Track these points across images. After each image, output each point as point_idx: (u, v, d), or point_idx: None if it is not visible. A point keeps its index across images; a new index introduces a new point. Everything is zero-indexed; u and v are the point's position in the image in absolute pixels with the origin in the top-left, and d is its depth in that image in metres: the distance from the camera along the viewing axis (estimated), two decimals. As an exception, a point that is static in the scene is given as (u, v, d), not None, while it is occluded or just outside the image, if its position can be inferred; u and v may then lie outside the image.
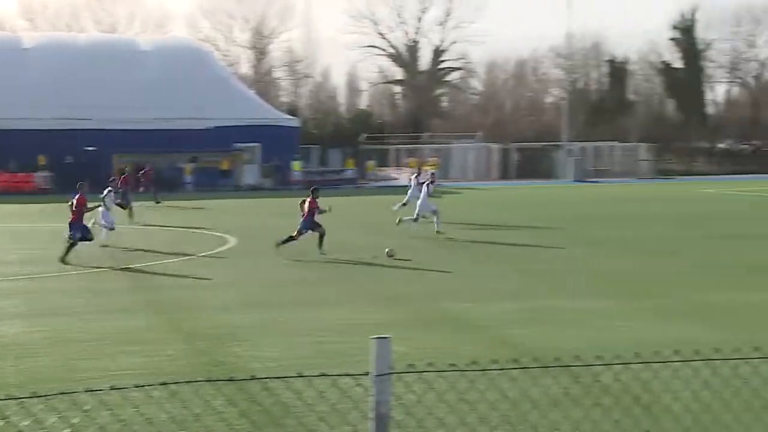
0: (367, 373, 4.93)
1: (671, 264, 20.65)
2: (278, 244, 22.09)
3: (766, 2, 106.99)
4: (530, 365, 6.85)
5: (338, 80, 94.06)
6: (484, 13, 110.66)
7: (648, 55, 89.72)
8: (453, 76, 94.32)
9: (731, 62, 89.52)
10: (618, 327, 13.55)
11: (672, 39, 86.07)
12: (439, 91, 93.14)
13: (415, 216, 26.95)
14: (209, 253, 22.93)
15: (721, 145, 78.50)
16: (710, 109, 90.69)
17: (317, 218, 22.32)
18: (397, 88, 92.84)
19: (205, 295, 16.71)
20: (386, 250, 21.62)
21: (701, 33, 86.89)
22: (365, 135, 67.70)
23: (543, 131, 78.69)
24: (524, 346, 11.97)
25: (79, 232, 21.45)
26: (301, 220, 22.46)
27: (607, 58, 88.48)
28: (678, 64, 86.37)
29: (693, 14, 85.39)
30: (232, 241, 25.31)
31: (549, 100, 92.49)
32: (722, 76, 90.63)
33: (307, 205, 22.49)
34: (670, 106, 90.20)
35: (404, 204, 30.24)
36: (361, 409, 6.00)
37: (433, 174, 30.50)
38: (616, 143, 71.11)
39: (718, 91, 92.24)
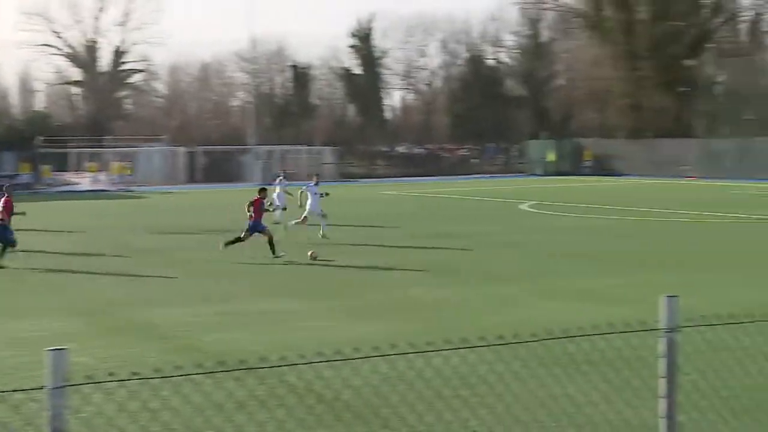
0: (41, 387, 4.68)
1: (361, 264, 21.35)
2: (225, 244, 21.65)
3: (435, 14, 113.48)
4: (215, 369, 6.82)
5: (10, 80, 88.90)
6: (165, 14, 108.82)
7: (329, 60, 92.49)
8: (135, 78, 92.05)
9: (405, 70, 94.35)
10: (306, 327, 13.80)
11: (351, 46, 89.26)
12: (121, 93, 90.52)
13: (301, 218, 26.90)
14: None
15: (399, 149, 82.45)
16: (388, 115, 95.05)
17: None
18: (76, 90, 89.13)
19: None
20: (309, 252, 21.60)
21: (378, 41, 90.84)
22: (42, 138, 64.35)
23: (230, 135, 78.84)
24: (213, 351, 11.91)
25: (9, 235, 21.06)
26: (250, 221, 21.89)
27: (290, 63, 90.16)
28: (358, 70, 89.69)
29: (370, 23, 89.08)
30: None
31: (235, 103, 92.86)
32: (398, 83, 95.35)
33: (252, 204, 21.99)
34: (352, 110, 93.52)
35: (284, 209, 30.19)
36: (36, 424, 5.69)
37: (317, 176, 29.52)
38: (302, 147, 72.64)
39: (395, 97, 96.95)
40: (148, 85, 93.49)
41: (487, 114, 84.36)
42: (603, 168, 68.63)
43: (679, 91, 74.26)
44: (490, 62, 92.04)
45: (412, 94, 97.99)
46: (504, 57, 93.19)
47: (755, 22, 79.81)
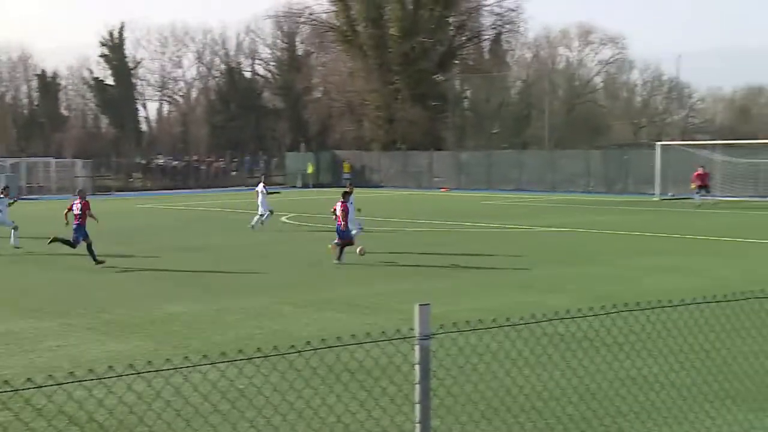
0: None
1: (115, 279, 20.67)
2: (338, 258, 22.42)
3: (189, 25, 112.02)
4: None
5: None
6: None
7: (80, 70, 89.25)
8: None
9: (160, 81, 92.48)
10: (57, 347, 13.19)
11: (102, 56, 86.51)
12: None
13: None
14: None
15: (156, 161, 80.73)
16: (144, 126, 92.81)
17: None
18: None
19: None
20: (357, 249, 22.68)
21: (131, 51, 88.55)
22: None
23: (-29, 146, 74.34)
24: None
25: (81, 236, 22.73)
26: (338, 225, 22.33)
27: (36, 72, 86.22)
28: (110, 80, 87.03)
29: (121, 32, 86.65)
30: None
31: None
32: (153, 94, 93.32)
33: (339, 209, 22.77)
34: (105, 121, 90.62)
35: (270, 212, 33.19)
36: None
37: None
38: (51, 159, 69.55)
39: (150, 109, 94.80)
40: None
41: (246, 126, 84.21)
42: (361, 180, 70.19)
43: (430, 104, 77.24)
44: (248, 74, 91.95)
45: (169, 106, 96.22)
46: (261, 69, 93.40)
47: (496, 41, 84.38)
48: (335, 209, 23.41)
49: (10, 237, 27.12)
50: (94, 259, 22.30)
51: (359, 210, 24.79)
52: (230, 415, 8.18)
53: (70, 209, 23.39)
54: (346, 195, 23.44)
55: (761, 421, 8.84)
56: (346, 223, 22.91)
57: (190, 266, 22.89)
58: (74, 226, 23.01)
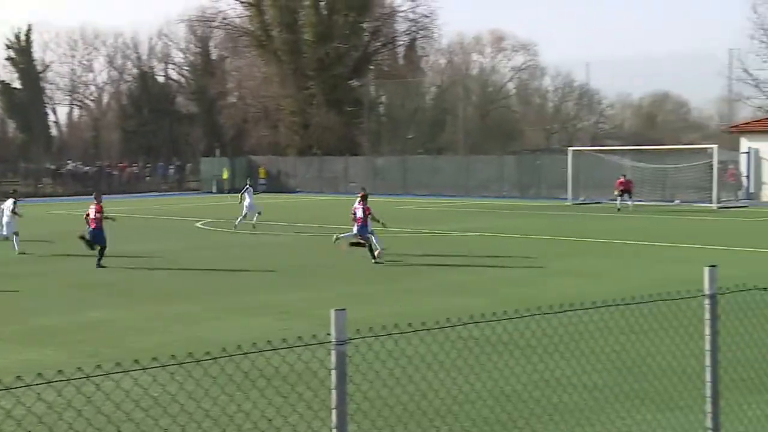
0: None
1: (29, 287, 20.19)
2: (350, 244, 23.83)
3: (99, 28, 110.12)
4: None
5: None
6: None
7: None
8: None
9: (71, 85, 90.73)
10: (-39, 358, 12.86)
11: (8, 59, 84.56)
12: None
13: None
14: None
15: (67, 167, 79.02)
16: (54, 131, 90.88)
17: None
18: None
19: None
20: (376, 252, 23.35)
21: (39, 54, 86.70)
22: None
23: None
24: None
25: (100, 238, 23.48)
26: (357, 226, 23.57)
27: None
28: (17, 84, 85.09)
29: (28, 35, 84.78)
30: None
31: None
32: (63, 98, 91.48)
33: (360, 210, 23.54)
34: (12, 126, 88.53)
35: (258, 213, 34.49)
36: None
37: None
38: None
39: (60, 113, 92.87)
40: None
41: (159, 131, 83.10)
42: (277, 185, 69.81)
43: (346, 110, 77.28)
44: (160, 78, 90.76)
45: (80, 110, 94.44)
46: (174, 74, 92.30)
47: (411, 47, 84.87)
48: (355, 211, 24.11)
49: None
50: (98, 263, 23.09)
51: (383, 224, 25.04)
52: (144, 423, 8.08)
53: (88, 214, 23.94)
54: (364, 198, 24.33)
55: (669, 420, 9.07)
56: (366, 223, 23.72)
57: (105, 273, 22.52)
58: (89, 230, 23.73)
